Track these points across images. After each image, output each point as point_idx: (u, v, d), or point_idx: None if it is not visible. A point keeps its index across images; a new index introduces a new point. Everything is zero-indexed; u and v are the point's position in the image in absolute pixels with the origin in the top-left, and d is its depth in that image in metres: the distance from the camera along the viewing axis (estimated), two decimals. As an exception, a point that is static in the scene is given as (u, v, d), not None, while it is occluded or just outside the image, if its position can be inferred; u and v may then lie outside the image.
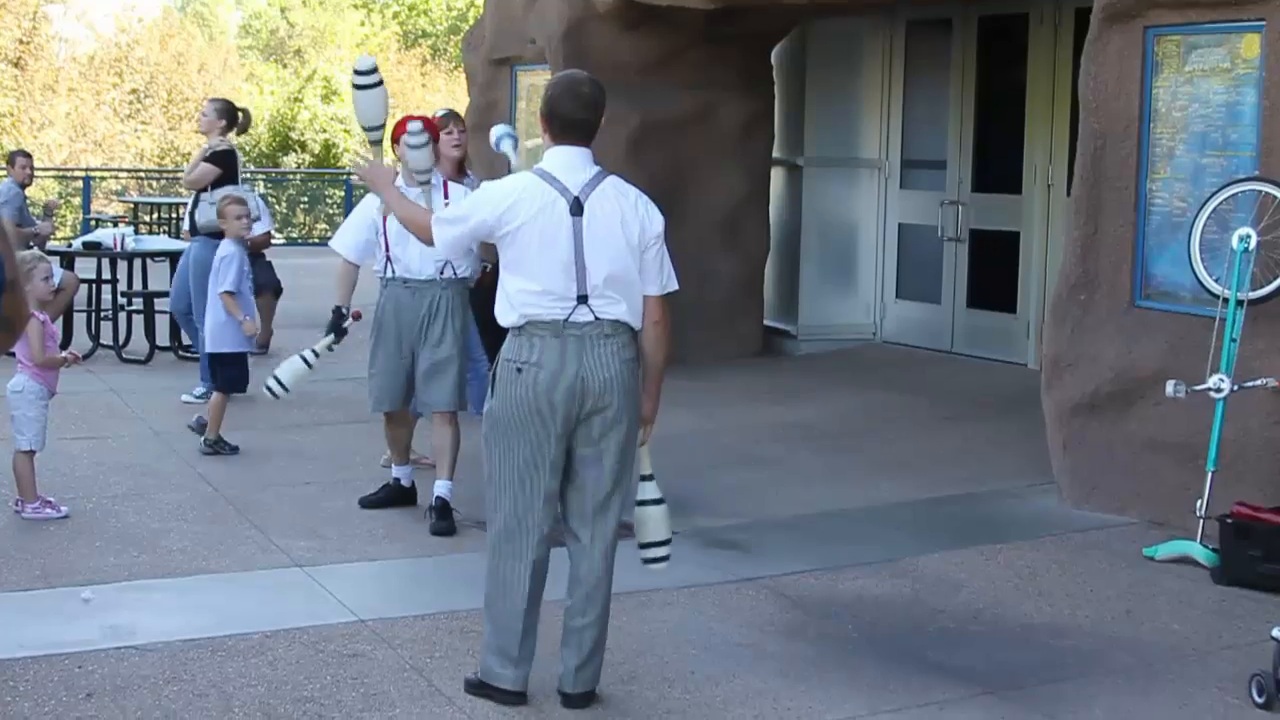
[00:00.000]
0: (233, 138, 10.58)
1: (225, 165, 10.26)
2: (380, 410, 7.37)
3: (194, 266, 10.14)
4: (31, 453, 7.06)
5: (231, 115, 10.49)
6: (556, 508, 4.91)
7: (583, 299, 4.77)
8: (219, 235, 9.90)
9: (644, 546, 5.15)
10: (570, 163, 4.86)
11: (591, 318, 4.78)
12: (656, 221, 4.93)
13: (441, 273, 7.12)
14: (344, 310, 7.26)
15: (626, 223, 4.83)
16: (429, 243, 5.09)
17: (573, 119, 4.86)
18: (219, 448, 8.51)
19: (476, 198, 4.96)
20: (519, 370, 4.78)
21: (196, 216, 10.25)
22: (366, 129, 6.28)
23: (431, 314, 7.14)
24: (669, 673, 5.25)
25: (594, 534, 4.91)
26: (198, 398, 9.82)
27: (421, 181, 6.65)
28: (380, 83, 6.22)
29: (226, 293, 8.57)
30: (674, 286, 5.01)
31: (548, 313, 4.76)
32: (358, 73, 6.22)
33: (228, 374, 8.71)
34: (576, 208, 4.78)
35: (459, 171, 7.97)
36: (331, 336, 7.22)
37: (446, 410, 7.18)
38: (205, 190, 10.18)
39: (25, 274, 6.86)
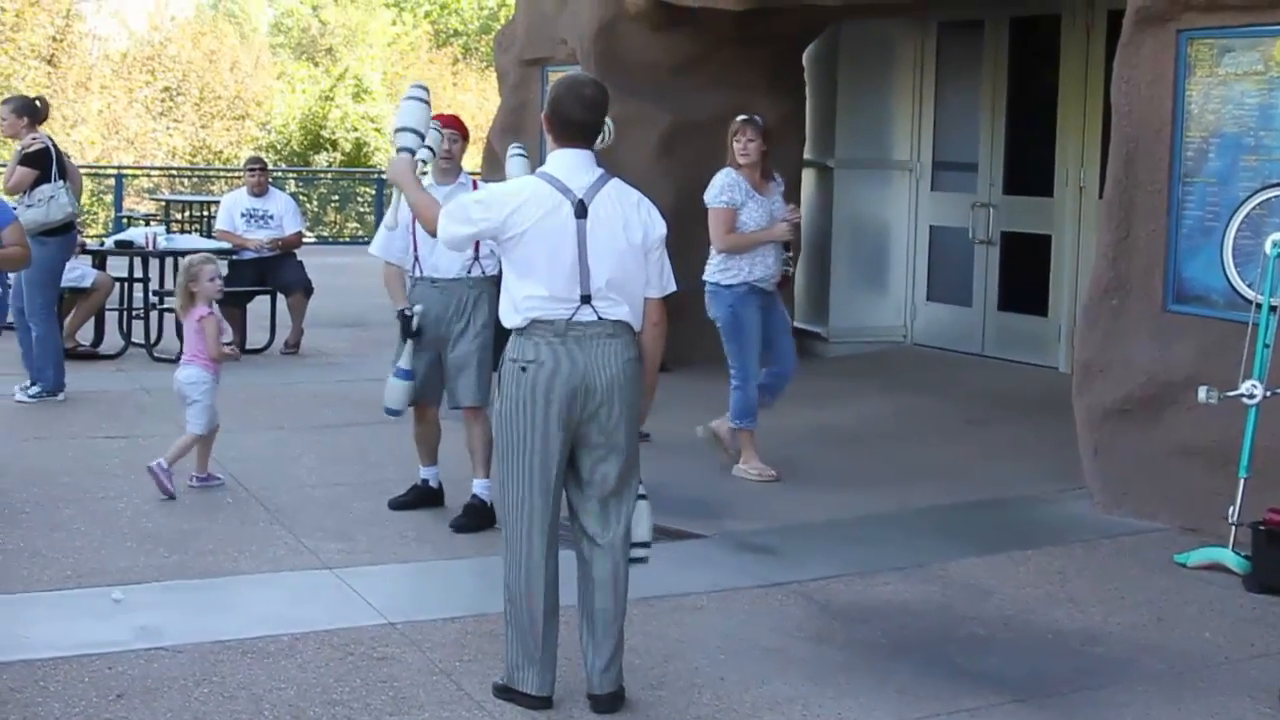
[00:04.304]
0: (44, 130, 10.39)
1: (40, 164, 10.11)
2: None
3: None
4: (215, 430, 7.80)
5: (32, 110, 10.28)
6: (561, 506, 4.92)
7: (585, 299, 4.81)
8: (47, 233, 9.81)
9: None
10: (574, 165, 4.89)
11: (594, 318, 4.82)
12: (659, 225, 4.98)
13: (469, 271, 7.16)
14: (407, 312, 7.19)
15: (629, 225, 4.88)
16: (432, 233, 5.10)
17: (576, 121, 4.90)
18: None
19: (484, 200, 4.94)
20: (523, 369, 4.82)
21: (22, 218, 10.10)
22: (399, 130, 6.22)
23: (459, 311, 7.18)
24: (698, 678, 5.24)
25: (607, 530, 4.93)
26: (31, 397, 9.81)
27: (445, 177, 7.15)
28: (427, 101, 6.15)
29: None
30: (672, 288, 5.06)
31: (551, 313, 4.80)
32: (417, 87, 6.17)
33: None
34: (581, 210, 4.81)
35: (762, 177, 8.29)
36: (409, 343, 7.18)
37: (472, 405, 7.20)
38: (25, 194, 10.03)
39: (194, 276, 7.68)
